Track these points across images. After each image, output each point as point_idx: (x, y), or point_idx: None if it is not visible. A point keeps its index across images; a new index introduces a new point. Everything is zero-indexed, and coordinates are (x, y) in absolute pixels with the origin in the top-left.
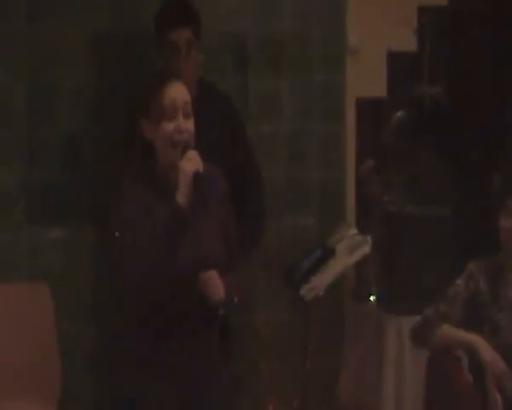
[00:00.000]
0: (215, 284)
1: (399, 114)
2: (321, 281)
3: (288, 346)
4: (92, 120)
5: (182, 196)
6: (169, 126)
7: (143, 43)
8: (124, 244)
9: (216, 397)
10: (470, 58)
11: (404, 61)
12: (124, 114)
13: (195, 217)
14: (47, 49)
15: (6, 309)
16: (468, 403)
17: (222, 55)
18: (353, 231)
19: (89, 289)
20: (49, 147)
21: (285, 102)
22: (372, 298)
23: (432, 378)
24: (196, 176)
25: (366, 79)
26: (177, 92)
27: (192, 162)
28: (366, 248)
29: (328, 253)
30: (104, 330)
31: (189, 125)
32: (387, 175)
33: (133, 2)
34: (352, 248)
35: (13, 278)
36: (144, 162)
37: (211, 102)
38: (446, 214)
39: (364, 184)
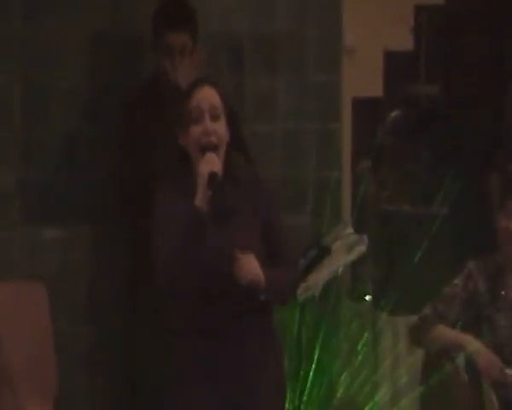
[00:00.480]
0: (248, 265)
1: (395, 113)
2: (317, 280)
3: (283, 345)
4: (88, 121)
5: (198, 199)
6: (196, 130)
7: (139, 44)
8: (157, 246)
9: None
10: (467, 57)
11: (400, 61)
12: (120, 115)
13: (221, 216)
14: (43, 49)
15: (2, 308)
16: (464, 403)
17: (218, 55)
18: (349, 230)
19: (85, 288)
20: (45, 147)
21: (281, 102)
22: (368, 297)
23: (427, 377)
24: (213, 177)
25: (362, 78)
26: (203, 95)
27: (209, 164)
28: (362, 248)
29: (324, 252)
30: (100, 329)
31: (216, 127)
32: (384, 174)
33: (129, 2)
34: (348, 247)
35: (9, 278)
36: (180, 168)
37: None
38: (443, 214)
39: (360, 184)
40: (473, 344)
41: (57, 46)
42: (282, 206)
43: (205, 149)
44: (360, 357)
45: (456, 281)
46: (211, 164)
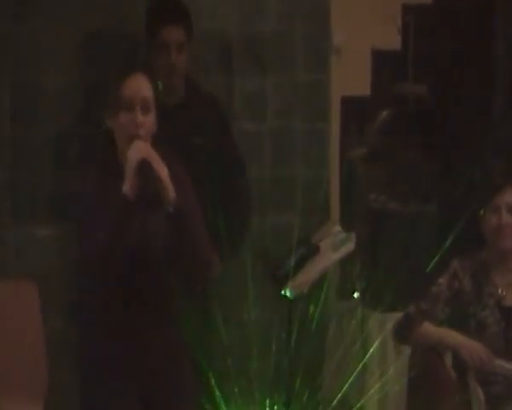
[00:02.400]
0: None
1: (384, 113)
2: (305, 278)
3: (271, 344)
4: (78, 120)
5: (126, 186)
6: (126, 118)
7: (130, 44)
8: (82, 231)
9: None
10: (455, 56)
11: (388, 60)
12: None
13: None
14: (32, 49)
15: None
16: (451, 398)
17: (206, 53)
18: (338, 228)
19: (75, 287)
20: (36, 146)
21: (270, 101)
22: (356, 295)
23: (415, 373)
24: (142, 164)
25: (351, 77)
26: (137, 86)
27: (137, 151)
28: (350, 246)
29: (313, 250)
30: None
31: (146, 119)
32: (372, 173)
33: (120, 2)
34: (336, 245)
35: (0, 277)
36: (106, 151)
37: (197, 102)
38: (431, 211)
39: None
40: (457, 338)
41: (47, 46)
42: (270, 204)
43: (130, 139)
44: (349, 355)
45: (441, 280)
46: (140, 151)
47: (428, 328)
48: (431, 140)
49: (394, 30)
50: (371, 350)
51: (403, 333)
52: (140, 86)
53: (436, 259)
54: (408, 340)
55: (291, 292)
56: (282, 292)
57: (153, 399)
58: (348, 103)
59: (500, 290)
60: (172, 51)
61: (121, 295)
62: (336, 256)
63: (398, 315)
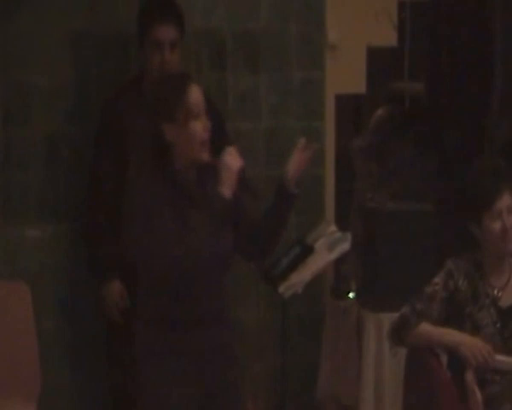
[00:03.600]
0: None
1: (380, 111)
2: (300, 278)
3: (266, 344)
4: (69, 120)
5: (227, 190)
6: (197, 126)
7: (121, 42)
8: (145, 244)
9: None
10: (451, 53)
11: (384, 57)
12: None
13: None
14: (24, 47)
15: None
16: (448, 399)
17: (199, 51)
18: (333, 228)
19: (67, 288)
20: (26, 147)
21: (264, 99)
22: (351, 295)
23: (411, 374)
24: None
25: (346, 75)
26: (198, 92)
27: (235, 158)
28: (346, 245)
29: (308, 250)
30: (82, 328)
31: (208, 123)
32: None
33: (112, 0)
34: (331, 245)
35: None
36: (161, 164)
37: None
38: (427, 210)
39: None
40: (457, 336)
41: (38, 44)
42: (264, 204)
43: (205, 144)
44: (344, 355)
45: (437, 279)
46: (236, 158)
47: (426, 327)
48: (427, 138)
49: (390, 27)
50: (367, 351)
51: (399, 335)
52: (199, 94)
53: (433, 258)
54: (405, 342)
55: (286, 292)
56: (277, 292)
57: (208, 398)
58: (343, 101)
59: (496, 291)
60: (165, 50)
61: (188, 292)
62: (331, 256)
63: (394, 315)
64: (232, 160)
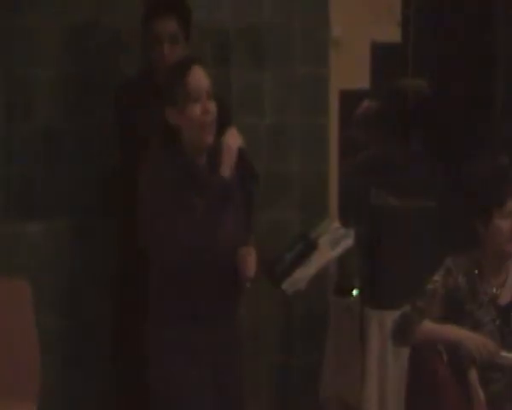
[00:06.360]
0: (251, 260)
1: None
2: (303, 275)
3: (269, 340)
4: (70, 115)
5: (227, 170)
6: (197, 108)
7: (124, 35)
8: (158, 230)
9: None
10: (456, 49)
11: (388, 53)
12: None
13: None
14: (26, 42)
15: None
16: (451, 397)
17: (203, 46)
18: (336, 224)
19: (68, 284)
20: (27, 141)
21: (267, 95)
22: (355, 292)
23: (414, 372)
24: (239, 151)
25: (350, 70)
26: (200, 76)
27: (236, 138)
28: (349, 242)
29: (311, 246)
30: (84, 324)
31: (212, 106)
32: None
33: None
34: (334, 241)
35: None
36: (168, 148)
37: None
38: (431, 207)
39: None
40: (461, 332)
41: (41, 39)
42: (268, 200)
43: (204, 127)
44: (347, 353)
45: (436, 277)
46: (238, 138)
47: (428, 325)
48: (431, 135)
49: (394, 22)
50: (370, 348)
51: (401, 334)
52: (202, 76)
53: (436, 255)
54: (407, 340)
55: (289, 288)
56: (280, 289)
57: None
58: (347, 97)
59: (495, 289)
60: (164, 44)
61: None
62: (335, 253)
63: (397, 313)
64: (232, 139)
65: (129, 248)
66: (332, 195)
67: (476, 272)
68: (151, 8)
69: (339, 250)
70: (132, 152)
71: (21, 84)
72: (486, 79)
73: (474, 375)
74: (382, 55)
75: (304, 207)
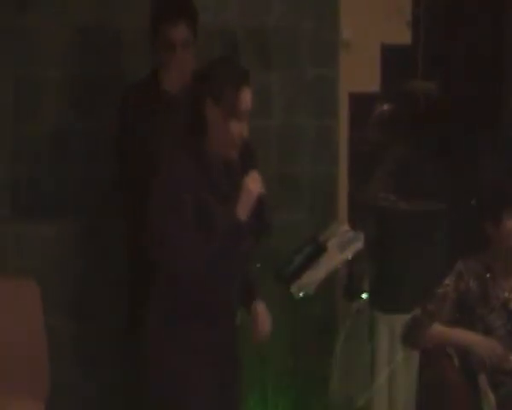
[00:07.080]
0: (264, 318)
1: (386, 107)
2: (312, 278)
3: (278, 344)
4: (78, 116)
5: (243, 213)
6: (236, 128)
7: (131, 37)
8: (175, 234)
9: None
10: (466, 51)
11: (398, 55)
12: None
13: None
14: (34, 43)
15: None
16: (461, 400)
17: (211, 48)
18: (345, 227)
19: (76, 284)
20: (36, 142)
21: (276, 97)
22: (364, 296)
23: (424, 376)
24: (259, 198)
25: (359, 72)
26: (249, 99)
27: (257, 183)
28: (359, 245)
29: (320, 249)
30: (90, 324)
31: (247, 130)
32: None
33: None
34: (344, 244)
35: (0, 274)
36: (194, 140)
37: None
38: (441, 211)
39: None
40: (471, 336)
41: (48, 39)
42: (277, 202)
43: (235, 147)
44: (357, 356)
45: (447, 281)
46: (258, 183)
47: (438, 328)
48: (442, 138)
49: (404, 24)
50: (380, 352)
51: (412, 337)
52: (250, 101)
53: (446, 259)
54: (418, 344)
55: (298, 292)
56: (289, 292)
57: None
58: (357, 99)
59: (507, 294)
60: (177, 50)
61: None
62: (344, 256)
63: (406, 317)
64: (253, 184)
65: (137, 249)
66: (341, 197)
67: (488, 275)
68: (162, 14)
69: (348, 253)
70: (140, 158)
71: (28, 85)
72: (497, 79)
73: (484, 379)
74: (393, 57)
75: (312, 209)
